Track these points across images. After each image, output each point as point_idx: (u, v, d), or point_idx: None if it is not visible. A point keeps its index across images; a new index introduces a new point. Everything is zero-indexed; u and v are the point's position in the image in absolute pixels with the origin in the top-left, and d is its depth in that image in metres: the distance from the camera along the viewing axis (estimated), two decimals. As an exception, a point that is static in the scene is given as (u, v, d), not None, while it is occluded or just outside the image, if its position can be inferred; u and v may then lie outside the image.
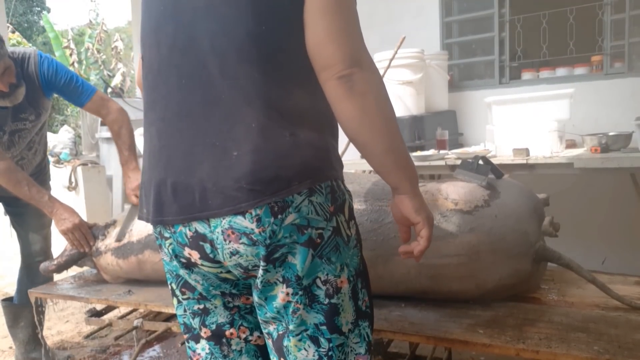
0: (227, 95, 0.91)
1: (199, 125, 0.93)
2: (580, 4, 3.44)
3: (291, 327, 0.97)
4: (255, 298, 1.00)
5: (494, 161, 2.76)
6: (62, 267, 2.17)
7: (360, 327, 1.01)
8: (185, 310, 1.11)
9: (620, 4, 3.25)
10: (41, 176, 2.41)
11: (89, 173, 4.39)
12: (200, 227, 0.94)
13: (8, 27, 6.38)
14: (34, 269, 2.37)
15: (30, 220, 2.35)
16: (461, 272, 1.52)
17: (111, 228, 2.19)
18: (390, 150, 0.97)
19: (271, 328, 1.01)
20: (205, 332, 1.07)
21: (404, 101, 3.37)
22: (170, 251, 1.02)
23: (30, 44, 11.56)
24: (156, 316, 2.13)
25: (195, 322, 1.08)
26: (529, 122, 2.83)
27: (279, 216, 0.91)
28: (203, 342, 1.09)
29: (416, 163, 2.95)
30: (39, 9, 15.89)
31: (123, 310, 2.23)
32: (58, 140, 4.80)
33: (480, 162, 1.66)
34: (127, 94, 6.26)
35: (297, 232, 0.92)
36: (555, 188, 2.36)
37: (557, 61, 3.66)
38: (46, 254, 2.44)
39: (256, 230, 0.91)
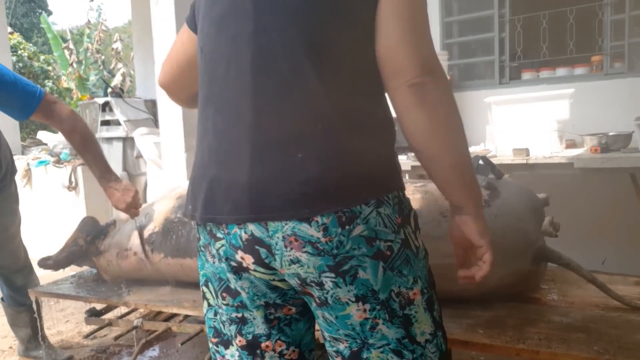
0: (294, 93, 0.87)
1: (261, 122, 0.88)
2: (580, 4, 3.44)
3: (371, 341, 0.92)
4: (322, 314, 0.93)
5: (494, 161, 2.76)
6: (60, 263, 2.17)
7: (437, 337, 0.98)
8: (215, 314, 1.05)
9: (620, 4, 3.25)
10: (3, 180, 2.21)
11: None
12: (257, 230, 0.89)
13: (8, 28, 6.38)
14: (8, 277, 2.34)
15: None
16: (461, 272, 1.52)
17: (111, 228, 2.19)
18: (458, 164, 0.94)
19: (342, 346, 0.95)
20: (240, 341, 1.01)
21: (404, 101, 3.37)
22: (221, 253, 0.95)
23: (31, 45, 11.55)
24: (156, 316, 2.13)
25: (230, 329, 1.02)
26: (529, 122, 2.83)
27: (347, 227, 0.86)
28: (234, 349, 1.03)
29: (416, 163, 2.96)
30: (40, 10, 15.89)
31: (123, 310, 2.23)
32: (58, 140, 4.80)
33: (481, 162, 1.66)
34: (127, 94, 6.26)
35: (365, 244, 0.87)
36: (555, 188, 2.36)
37: (557, 61, 3.65)
38: (10, 268, 2.32)
39: (322, 240, 0.86)
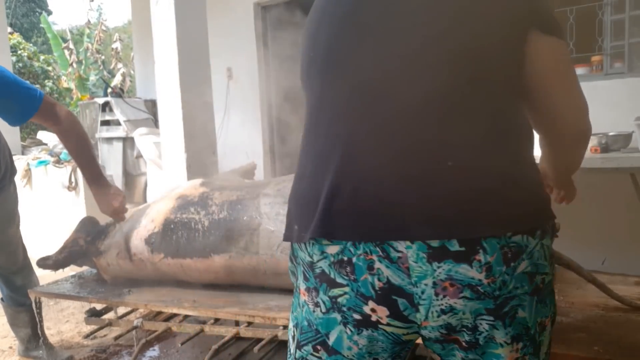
0: (457, 112, 0.79)
1: (424, 140, 0.78)
2: (580, 4, 3.44)
3: None
4: (465, 356, 0.84)
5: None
6: (60, 263, 2.17)
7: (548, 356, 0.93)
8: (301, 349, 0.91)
9: (620, 4, 3.24)
10: (2, 181, 2.19)
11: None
12: (394, 276, 0.77)
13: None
14: (7, 278, 2.33)
15: None
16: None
17: (111, 228, 2.19)
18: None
19: None
20: None
21: (404, 101, 3.37)
22: (341, 302, 0.82)
23: (31, 45, 11.55)
24: (156, 316, 2.13)
25: None
26: (529, 122, 2.82)
27: (512, 264, 0.77)
28: None
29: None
30: (40, 10, 15.90)
31: (123, 310, 2.23)
32: (58, 140, 4.79)
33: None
34: (127, 94, 6.26)
35: (527, 281, 0.79)
36: (555, 188, 2.36)
37: (557, 61, 3.65)
38: (9, 268, 2.31)
39: (485, 282, 0.76)
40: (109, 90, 5.24)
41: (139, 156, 4.76)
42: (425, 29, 0.80)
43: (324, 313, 0.84)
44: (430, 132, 0.78)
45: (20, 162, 4.49)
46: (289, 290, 1.87)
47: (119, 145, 4.88)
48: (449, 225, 0.75)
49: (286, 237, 0.91)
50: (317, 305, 0.85)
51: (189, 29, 3.02)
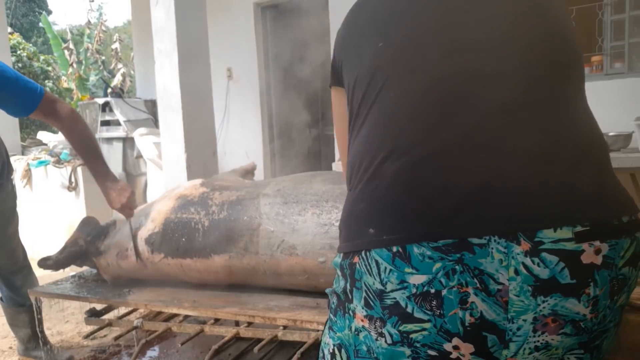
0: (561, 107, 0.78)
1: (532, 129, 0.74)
2: (580, 4, 3.44)
3: None
4: None
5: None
6: (60, 263, 2.17)
7: None
8: None
9: (620, 4, 3.24)
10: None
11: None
12: (490, 311, 0.69)
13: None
14: (6, 277, 2.33)
15: None
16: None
17: (111, 228, 2.19)
18: None
19: None
20: None
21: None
22: (415, 338, 0.72)
23: (31, 45, 11.56)
24: (156, 316, 2.13)
25: None
26: (529, 122, 2.83)
27: (615, 297, 0.72)
28: None
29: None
30: (40, 10, 15.90)
31: (123, 310, 2.23)
32: (58, 140, 4.80)
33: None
34: (127, 94, 6.26)
35: (619, 313, 0.75)
36: (555, 188, 2.36)
37: (557, 61, 3.65)
38: (9, 268, 2.30)
39: (588, 317, 0.70)
40: (109, 90, 5.24)
41: (139, 156, 4.76)
42: (507, 18, 0.79)
43: (389, 344, 0.75)
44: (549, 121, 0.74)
45: (20, 162, 4.49)
46: (289, 291, 1.88)
47: (119, 146, 4.88)
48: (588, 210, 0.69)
49: (353, 246, 0.77)
50: (381, 335, 0.75)
51: (189, 29, 3.02)
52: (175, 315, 2.04)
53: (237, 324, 1.94)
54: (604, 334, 0.74)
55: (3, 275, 2.34)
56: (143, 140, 4.51)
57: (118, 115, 4.94)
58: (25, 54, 10.03)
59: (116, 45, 8.66)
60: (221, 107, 4.86)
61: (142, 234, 2.04)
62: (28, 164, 4.49)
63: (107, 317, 2.14)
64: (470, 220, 0.68)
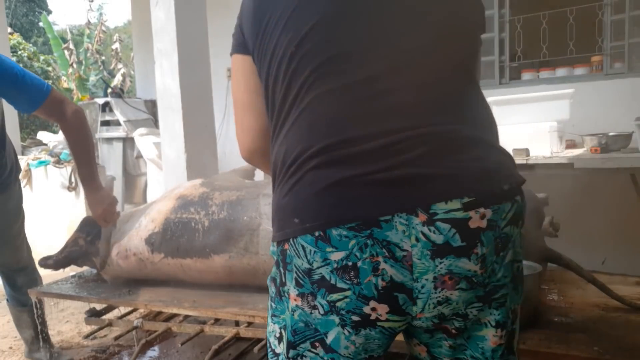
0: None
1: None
2: (580, 4, 3.44)
3: None
4: (452, 343, 0.90)
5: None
6: (60, 263, 2.17)
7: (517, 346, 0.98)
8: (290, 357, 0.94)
9: (620, 4, 3.24)
10: (2, 177, 2.19)
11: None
12: (398, 274, 0.81)
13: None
14: (10, 277, 2.34)
15: None
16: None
17: (112, 228, 2.19)
18: None
19: None
20: None
21: (404, 101, 3.37)
22: (339, 306, 0.85)
23: (31, 45, 11.56)
24: (156, 316, 2.13)
25: None
26: (529, 122, 2.82)
27: (501, 253, 0.84)
28: None
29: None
30: (40, 10, 15.90)
31: (123, 310, 2.23)
32: (58, 140, 4.80)
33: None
34: (127, 95, 6.26)
35: (510, 270, 0.87)
36: (555, 188, 2.36)
37: (557, 61, 3.65)
38: (12, 266, 2.31)
39: (479, 272, 0.82)
40: (109, 90, 5.24)
41: (139, 156, 4.76)
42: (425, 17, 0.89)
43: (322, 315, 0.87)
44: (447, 109, 0.87)
45: (20, 162, 4.49)
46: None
47: (119, 146, 4.88)
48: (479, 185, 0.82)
49: (283, 235, 0.87)
50: (314, 307, 0.87)
51: (189, 29, 3.02)
52: (175, 315, 2.04)
53: (237, 324, 1.94)
54: (500, 289, 0.86)
55: (6, 274, 2.34)
56: (143, 140, 4.51)
57: (118, 115, 4.94)
58: (25, 54, 10.03)
59: (116, 45, 8.67)
60: (221, 107, 4.86)
61: (142, 234, 2.04)
62: (28, 164, 4.48)
63: (107, 317, 2.14)
64: (378, 203, 0.80)
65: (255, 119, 1.02)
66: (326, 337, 0.88)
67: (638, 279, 1.76)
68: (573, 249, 2.06)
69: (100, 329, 2.15)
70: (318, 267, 0.84)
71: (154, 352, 2.51)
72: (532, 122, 2.82)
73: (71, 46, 8.05)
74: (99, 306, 2.17)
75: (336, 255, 0.82)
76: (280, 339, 0.96)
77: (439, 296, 0.83)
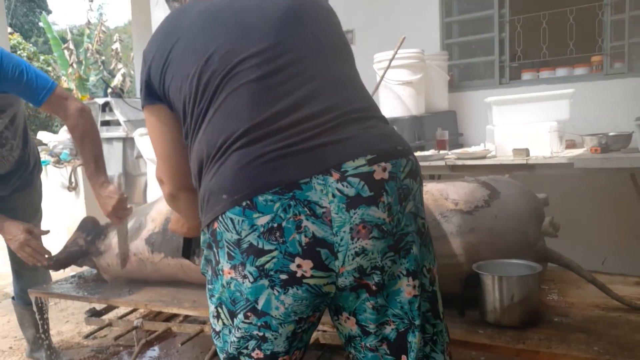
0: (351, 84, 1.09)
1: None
2: (580, 4, 3.44)
3: (417, 322, 0.99)
4: (373, 303, 0.98)
5: (494, 161, 2.77)
6: (60, 263, 2.17)
7: (444, 316, 1.08)
8: (230, 332, 1.02)
9: (620, 4, 3.24)
10: (25, 175, 2.24)
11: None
12: (319, 230, 0.91)
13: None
14: (21, 274, 2.34)
15: None
16: (461, 272, 1.52)
17: (111, 228, 2.19)
18: None
19: (388, 329, 1.00)
20: (257, 354, 1.00)
21: (403, 101, 3.37)
22: (268, 267, 0.92)
23: (31, 45, 11.55)
24: (156, 316, 2.13)
25: (248, 344, 1.00)
26: (529, 122, 2.82)
27: (403, 203, 0.96)
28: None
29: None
30: (40, 10, 15.89)
31: (123, 310, 2.23)
32: (58, 140, 4.80)
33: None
34: (127, 95, 6.26)
35: (413, 221, 0.99)
36: (555, 188, 2.36)
37: (557, 61, 3.65)
38: (26, 264, 2.26)
39: (387, 220, 0.94)
40: (109, 90, 5.23)
41: (139, 156, 4.76)
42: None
43: (252, 282, 0.94)
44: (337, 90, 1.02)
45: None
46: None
47: (119, 145, 4.88)
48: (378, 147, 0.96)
49: (213, 215, 0.95)
50: (245, 277, 0.94)
51: (189, 29, 3.02)
52: (175, 315, 2.04)
53: (237, 324, 1.94)
54: (405, 237, 0.97)
55: (18, 271, 2.35)
56: (143, 140, 4.50)
57: (118, 115, 4.94)
58: (25, 54, 10.03)
59: (116, 45, 8.67)
60: (221, 107, 4.86)
61: (142, 234, 2.04)
62: (28, 164, 4.48)
63: (107, 317, 2.14)
64: (297, 168, 0.91)
65: (175, 167, 1.14)
66: (257, 304, 0.95)
67: (638, 279, 1.76)
68: (573, 249, 2.06)
69: (100, 329, 2.15)
70: (246, 235, 0.93)
71: (154, 352, 2.51)
72: (532, 122, 2.82)
73: (71, 46, 8.06)
74: (99, 306, 2.17)
75: (262, 220, 0.91)
76: (218, 317, 1.03)
77: (356, 246, 0.92)
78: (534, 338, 1.36)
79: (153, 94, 1.11)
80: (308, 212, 0.90)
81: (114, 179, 4.50)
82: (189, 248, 1.68)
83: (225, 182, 0.95)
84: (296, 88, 0.98)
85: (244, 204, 0.92)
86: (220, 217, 0.95)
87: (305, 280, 0.93)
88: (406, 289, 0.98)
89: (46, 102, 1.82)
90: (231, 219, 0.93)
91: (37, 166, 2.33)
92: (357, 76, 1.11)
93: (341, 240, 0.92)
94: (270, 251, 0.92)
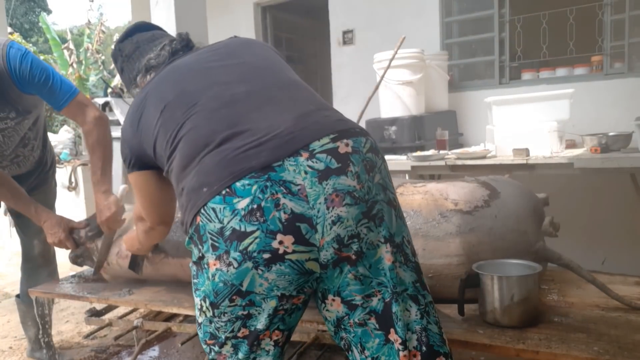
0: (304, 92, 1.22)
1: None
2: (580, 4, 3.44)
3: (398, 289, 1.04)
4: (355, 273, 1.03)
5: (494, 161, 2.77)
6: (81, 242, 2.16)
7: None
8: (210, 323, 1.08)
9: (620, 4, 3.25)
10: (42, 174, 2.31)
11: (89, 173, 4.38)
12: (297, 206, 0.97)
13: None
14: (32, 272, 2.34)
15: (30, 223, 2.21)
16: (461, 272, 1.52)
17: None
18: None
19: (375, 300, 1.04)
20: (243, 333, 1.06)
21: (404, 101, 3.37)
22: (250, 249, 0.97)
23: (31, 45, 11.55)
24: (156, 316, 2.13)
25: (234, 326, 1.05)
26: (529, 122, 2.82)
27: (371, 174, 1.04)
28: (229, 342, 1.08)
29: (416, 163, 2.96)
30: (40, 9, 15.89)
31: (123, 310, 2.23)
32: (58, 140, 4.80)
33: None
34: (127, 95, 6.25)
35: (382, 191, 1.06)
36: (555, 188, 2.36)
37: (557, 61, 3.65)
38: (45, 257, 2.37)
39: (357, 187, 1.01)
40: (109, 90, 5.23)
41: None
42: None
43: (236, 268, 0.99)
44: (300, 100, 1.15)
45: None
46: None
47: (118, 145, 4.88)
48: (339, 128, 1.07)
49: (195, 209, 1.02)
50: (229, 264, 0.99)
51: (189, 29, 3.02)
52: (175, 315, 2.04)
53: (237, 324, 1.94)
54: (376, 204, 1.04)
55: (28, 271, 2.35)
56: (143, 140, 4.50)
57: (118, 115, 4.93)
58: (25, 54, 9.98)
59: (116, 45, 8.63)
60: (221, 107, 4.86)
61: (104, 252, 2.06)
62: (28, 164, 4.48)
63: (107, 317, 2.14)
64: (269, 154, 1.00)
65: (158, 210, 1.35)
66: (242, 286, 1.00)
67: (638, 279, 1.76)
68: (573, 249, 2.06)
69: (100, 329, 2.15)
70: (229, 222, 0.98)
71: (154, 352, 2.51)
72: (532, 122, 2.82)
73: (71, 46, 8.04)
74: (99, 306, 2.17)
75: (242, 203, 0.98)
76: (201, 309, 1.08)
77: (332, 215, 0.98)
78: (534, 338, 1.36)
79: (137, 162, 1.29)
80: (284, 190, 0.97)
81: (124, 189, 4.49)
82: (136, 262, 1.88)
83: (204, 178, 1.03)
84: (257, 101, 1.11)
85: (223, 192, 0.99)
86: (202, 210, 1.01)
87: (287, 257, 0.98)
88: (386, 255, 1.04)
89: (67, 107, 1.92)
90: (213, 209, 1.00)
91: (53, 166, 2.43)
92: (304, 82, 1.25)
93: (318, 212, 0.98)
94: (252, 232, 0.97)
